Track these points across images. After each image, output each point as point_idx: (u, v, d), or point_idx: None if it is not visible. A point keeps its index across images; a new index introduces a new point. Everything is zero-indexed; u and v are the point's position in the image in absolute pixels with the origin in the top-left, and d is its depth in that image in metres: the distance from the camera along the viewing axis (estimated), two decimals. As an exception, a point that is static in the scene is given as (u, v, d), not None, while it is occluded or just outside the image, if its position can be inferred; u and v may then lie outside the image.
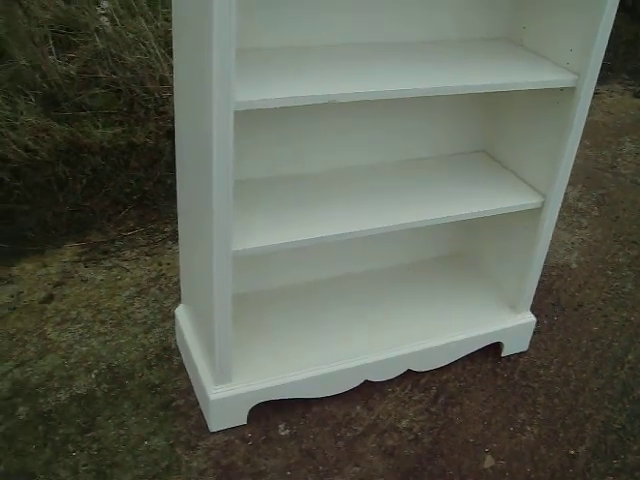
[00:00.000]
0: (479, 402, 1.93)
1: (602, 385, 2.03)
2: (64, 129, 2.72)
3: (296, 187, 1.79)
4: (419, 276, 2.19)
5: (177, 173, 1.76)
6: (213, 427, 1.76)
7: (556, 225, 1.90)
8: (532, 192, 1.87)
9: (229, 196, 1.42)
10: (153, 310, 2.14)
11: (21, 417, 1.76)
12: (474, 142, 2.08)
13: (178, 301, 2.03)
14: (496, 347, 2.06)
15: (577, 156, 1.78)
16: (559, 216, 1.89)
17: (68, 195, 2.57)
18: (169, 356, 1.98)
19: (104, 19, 3.18)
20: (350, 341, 1.89)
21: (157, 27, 3.17)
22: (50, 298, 2.16)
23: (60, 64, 2.95)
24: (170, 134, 2.74)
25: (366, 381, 1.89)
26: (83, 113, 2.84)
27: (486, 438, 1.82)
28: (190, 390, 1.87)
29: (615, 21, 1.58)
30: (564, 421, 1.90)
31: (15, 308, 2.11)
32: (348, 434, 1.80)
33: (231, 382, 1.71)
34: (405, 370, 1.94)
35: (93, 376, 1.90)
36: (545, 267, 2.01)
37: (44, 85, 2.86)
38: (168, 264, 2.35)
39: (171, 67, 1.70)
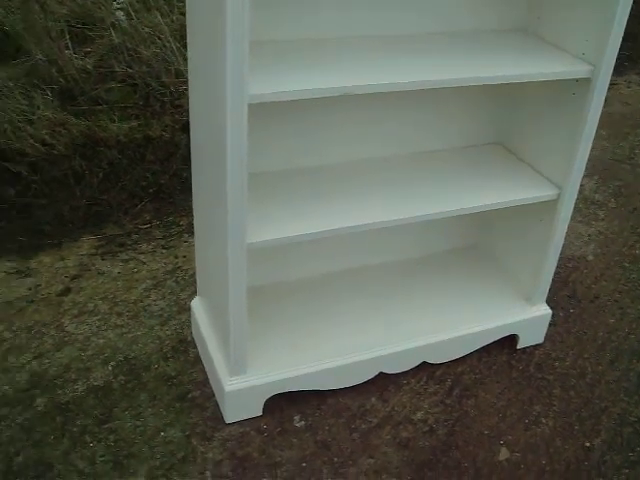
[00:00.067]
0: (494, 394, 1.93)
1: (618, 377, 2.02)
2: (81, 123, 2.74)
3: (311, 179, 1.79)
4: (434, 268, 2.19)
5: (192, 166, 1.77)
6: (229, 418, 1.77)
7: (572, 217, 1.89)
8: (548, 184, 1.86)
9: (243, 188, 1.43)
10: (169, 302, 2.16)
11: (39, 408, 1.78)
12: (489, 134, 2.07)
13: (194, 293, 2.04)
14: (511, 339, 2.06)
15: (594, 147, 1.77)
16: (575, 208, 1.88)
17: (85, 189, 2.59)
18: (185, 348, 1.99)
19: (120, 13, 3.19)
20: (365, 333, 1.90)
21: (173, 21, 3.18)
22: (67, 291, 2.18)
23: (76, 58, 2.97)
24: (186, 127, 2.74)
25: (381, 373, 1.89)
26: (99, 107, 2.86)
27: (501, 430, 1.82)
28: (206, 382, 1.88)
29: (633, 10, 1.57)
30: (580, 413, 1.89)
31: (33, 301, 2.13)
32: (363, 426, 1.80)
33: (246, 374, 1.72)
34: (420, 362, 1.94)
35: (110, 368, 1.91)
36: (561, 259, 2.01)
37: (60, 79, 2.88)
38: (184, 257, 2.36)
39: (187, 60, 1.70)
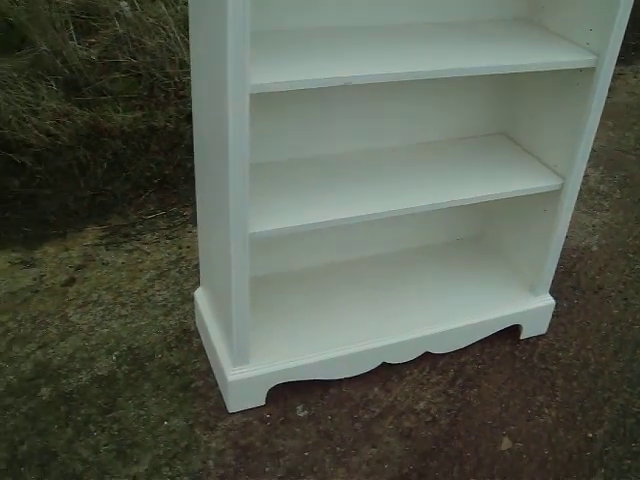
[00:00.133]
0: (497, 384, 1.93)
1: (621, 368, 2.02)
2: (85, 114, 2.75)
3: (314, 170, 1.79)
4: (437, 259, 2.18)
5: (195, 156, 1.77)
6: (232, 408, 1.77)
7: (577, 208, 1.89)
8: (551, 174, 1.85)
9: (245, 179, 1.43)
10: (173, 293, 2.16)
11: (44, 398, 1.79)
12: (493, 124, 2.06)
13: (197, 284, 2.05)
14: (515, 330, 2.06)
15: (599, 138, 1.77)
16: (580, 199, 1.88)
17: (89, 179, 2.60)
18: (188, 338, 2.00)
19: (124, 4, 3.19)
20: (368, 323, 1.90)
21: (177, 11, 3.18)
22: (72, 281, 2.19)
23: (81, 49, 2.97)
24: (190, 118, 2.74)
25: (384, 363, 1.89)
26: (104, 98, 2.86)
27: (504, 420, 1.83)
28: (209, 372, 1.89)
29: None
30: (582, 404, 1.89)
31: (37, 291, 2.14)
32: (366, 416, 1.81)
33: (249, 364, 1.73)
34: (423, 352, 1.94)
35: (114, 358, 1.92)
36: (565, 250, 2.00)
37: (65, 70, 2.88)
38: (188, 247, 2.37)
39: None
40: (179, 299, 2.13)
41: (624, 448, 1.77)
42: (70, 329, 2.01)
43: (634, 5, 1.57)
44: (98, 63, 2.96)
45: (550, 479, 1.68)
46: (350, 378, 1.88)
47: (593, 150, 1.77)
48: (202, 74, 1.57)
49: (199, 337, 1.99)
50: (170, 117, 2.86)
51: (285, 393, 1.83)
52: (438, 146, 1.97)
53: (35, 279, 2.19)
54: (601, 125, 1.74)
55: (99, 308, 2.09)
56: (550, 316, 2.09)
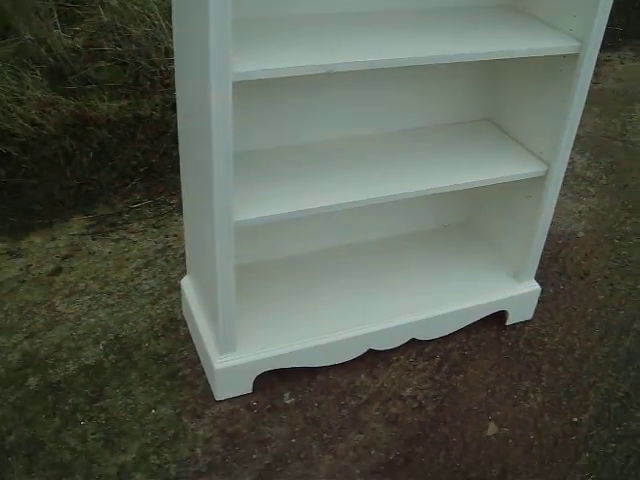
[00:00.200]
0: (483, 370, 1.94)
1: (607, 353, 2.04)
2: (70, 103, 2.73)
3: (298, 158, 1.79)
4: (423, 245, 2.19)
5: (179, 145, 1.77)
6: (219, 396, 1.78)
7: (563, 194, 1.90)
8: (536, 160, 1.86)
9: (229, 167, 1.43)
10: (160, 281, 2.16)
11: (31, 387, 1.79)
12: (478, 110, 2.07)
13: (184, 272, 2.04)
14: (501, 316, 2.07)
15: (586, 124, 1.78)
16: (566, 185, 1.89)
17: (75, 168, 2.59)
18: (175, 327, 2.00)
19: (109, -9, 3.17)
20: (354, 310, 1.91)
21: (162, -1, 3.16)
22: (58, 271, 2.19)
23: (65, 38, 2.95)
24: (176, 106, 2.74)
25: (370, 350, 1.90)
26: (89, 86, 2.84)
27: (490, 406, 1.84)
28: (196, 360, 1.89)
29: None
30: (568, 389, 1.91)
31: (24, 281, 2.14)
32: (352, 402, 1.82)
33: (235, 352, 1.73)
34: (409, 339, 1.95)
35: (101, 347, 1.92)
36: (551, 236, 2.01)
37: (50, 59, 2.86)
38: (175, 236, 2.37)
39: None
40: (166, 288, 2.13)
41: (609, 432, 1.79)
42: (57, 319, 2.00)
43: (619, -9, 1.57)
44: (83, 51, 2.94)
45: (536, 463, 1.70)
46: (337, 365, 1.88)
47: (579, 136, 1.78)
48: (185, 62, 1.57)
49: (186, 326, 1.99)
50: (156, 105, 2.85)
51: (272, 381, 1.83)
52: (423, 133, 1.98)
53: (22, 269, 2.18)
54: (587, 111, 1.74)
55: (86, 297, 2.09)
56: (536, 302, 2.10)
